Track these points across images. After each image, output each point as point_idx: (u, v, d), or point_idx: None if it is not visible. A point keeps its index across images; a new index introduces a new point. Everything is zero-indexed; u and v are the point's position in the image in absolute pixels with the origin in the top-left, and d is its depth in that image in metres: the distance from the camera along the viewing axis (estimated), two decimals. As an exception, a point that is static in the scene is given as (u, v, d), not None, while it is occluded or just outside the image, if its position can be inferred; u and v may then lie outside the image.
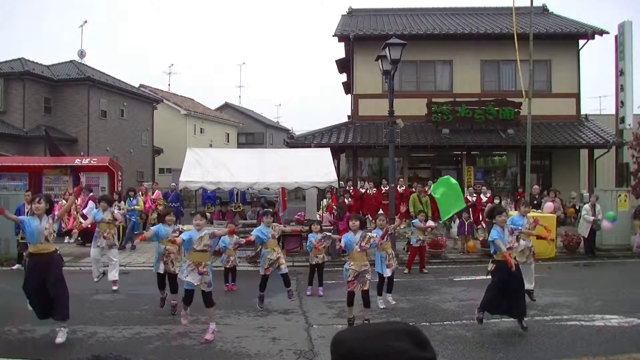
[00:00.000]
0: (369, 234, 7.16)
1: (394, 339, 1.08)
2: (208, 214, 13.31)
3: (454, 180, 11.55)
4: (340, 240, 7.31)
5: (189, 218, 15.23)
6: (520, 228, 7.70)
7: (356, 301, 6.98)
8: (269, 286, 8.07)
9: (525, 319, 6.79)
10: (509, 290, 6.70)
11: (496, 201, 13.79)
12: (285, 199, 15.46)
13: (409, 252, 11.50)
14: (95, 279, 9.12)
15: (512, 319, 6.88)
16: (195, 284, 6.49)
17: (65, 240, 14.52)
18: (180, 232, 7.30)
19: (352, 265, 6.83)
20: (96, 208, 9.72)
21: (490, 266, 6.95)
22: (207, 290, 6.52)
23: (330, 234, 9.47)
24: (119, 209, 13.88)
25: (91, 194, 14.33)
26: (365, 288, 6.83)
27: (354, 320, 6.91)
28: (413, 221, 11.30)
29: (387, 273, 7.94)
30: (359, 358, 1.08)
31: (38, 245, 6.29)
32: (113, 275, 9.24)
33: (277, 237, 8.30)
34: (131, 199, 14.63)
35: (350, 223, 6.91)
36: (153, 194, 16.26)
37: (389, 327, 1.14)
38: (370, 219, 16.68)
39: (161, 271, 7.78)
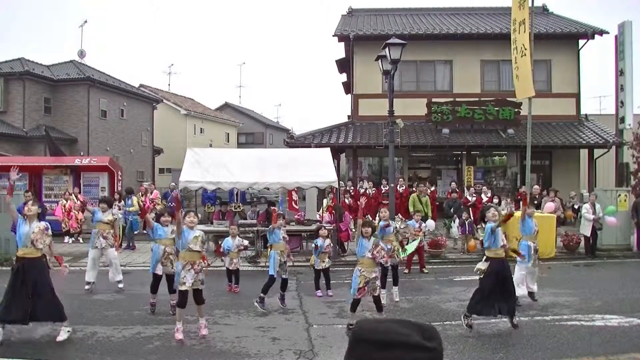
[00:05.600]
0: (381, 244, 7.12)
1: (401, 326, 1.20)
2: (199, 216, 13.19)
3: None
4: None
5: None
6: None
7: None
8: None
9: (516, 318, 6.82)
10: (499, 289, 6.69)
11: (495, 201, 13.79)
12: (293, 199, 15.45)
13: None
14: (87, 287, 9.01)
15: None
16: (191, 282, 6.46)
17: (66, 240, 14.54)
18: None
19: (362, 272, 6.75)
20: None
21: (484, 265, 6.87)
22: (200, 288, 6.57)
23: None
24: (119, 209, 13.92)
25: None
26: (376, 294, 6.79)
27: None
28: (408, 222, 11.28)
29: (386, 263, 7.93)
30: (364, 333, 1.20)
31: (24, 249, 6.28)
32: (117, 276, 9.23)
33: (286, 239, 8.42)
34: (126, 199, 14.64)
35: (363, 230, 6.82)
36: (151, 194, 16.25)
37: (401, 319, 1.27)
38: (370, 218, 16.68)
39: (159, 272, 7.68)
